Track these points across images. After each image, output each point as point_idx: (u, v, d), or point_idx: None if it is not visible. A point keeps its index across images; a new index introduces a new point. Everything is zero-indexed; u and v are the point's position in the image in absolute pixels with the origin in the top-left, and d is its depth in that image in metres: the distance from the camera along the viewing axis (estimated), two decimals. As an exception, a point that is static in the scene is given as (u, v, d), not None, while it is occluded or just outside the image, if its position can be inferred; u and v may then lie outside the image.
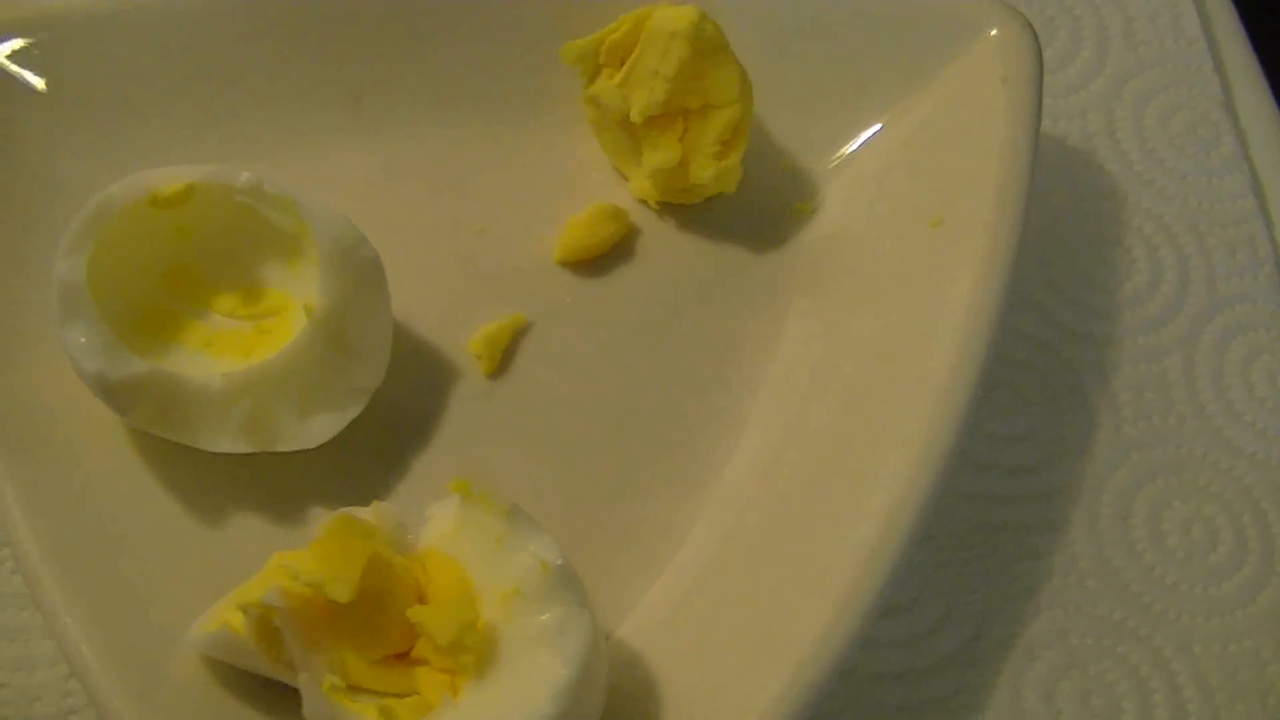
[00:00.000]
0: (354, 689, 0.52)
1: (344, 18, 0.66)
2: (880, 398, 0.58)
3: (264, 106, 0.66)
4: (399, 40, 0.66)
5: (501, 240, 0.65)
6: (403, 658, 0.53)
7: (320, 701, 0.50)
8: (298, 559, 0.52)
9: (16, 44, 0.63)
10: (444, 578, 0.53)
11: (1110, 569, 0.61)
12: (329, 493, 0.59)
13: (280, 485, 0.59)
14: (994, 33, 0.62)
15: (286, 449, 0.58)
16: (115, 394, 0.56)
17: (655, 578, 0.58)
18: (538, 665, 0.50)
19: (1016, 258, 0.58)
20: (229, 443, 0.57)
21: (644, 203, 0.66)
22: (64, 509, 0.56)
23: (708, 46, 0.61)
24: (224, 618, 0.53)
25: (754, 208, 0.65)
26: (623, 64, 0.63)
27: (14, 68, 0.63)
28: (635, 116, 0.62)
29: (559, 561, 0.51)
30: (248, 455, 0.58)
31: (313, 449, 0.59)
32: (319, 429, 0.58)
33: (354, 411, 0.59)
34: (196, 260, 0.61)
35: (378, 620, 0.52)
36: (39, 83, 0.64)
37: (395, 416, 0.61)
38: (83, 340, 0.55)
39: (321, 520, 0.54)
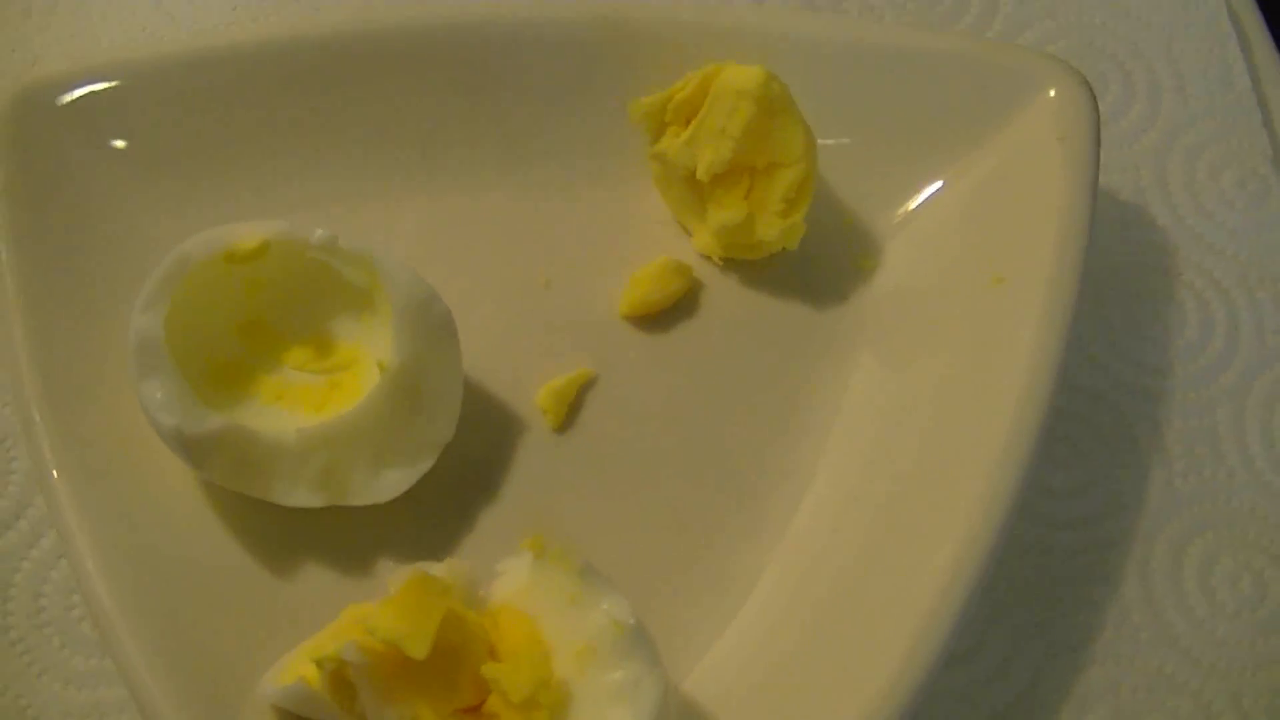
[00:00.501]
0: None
1: (415, 72, 0.66)
2: (944, 452, 0.59)
3: (335, 158, 0.67)
4: (468, 94, 0.67)
5: (567, 293, 0.66)
6: (475, 712, 0.53)
7: (392, 757, 0.51)
8: (374, 613, 0.53)
9: (93, 94, 0.64)
10: (516, 633, 0.54)
11: (1162, 622, 0.61)
12: (400, 546, 0.60)
13: (352, 538, 0.60)
14: (1052, 92, 0.63)
15: (359, 503, 0.59)
16: (191, 449, 0.56)
17: (723, 628, 0.59)
18: (615, 720, 0.51)
19: (1075, 315, 0.59)
20: (303, 496, 0.58)
21: (708, 258, 0.66)
22: (137, 559, 0.56)
23: (775, 106, 0.62)
24: (298, 670, 0.53)
25: (817, 263, 0.66)
26: (689, 121, 0.64)
27: (91, 118, 0.64)
28: (702, 174, 0.63)
29: (632, 620, 0.52)
30: (320, 509, 0.59)
31: (384, 503, 0.59)
32: (391, 484, 0.59)
33: (425, 466, 0.59)
34: (269, 313, 0.62)
35: (451, 675, 0.53)
36: (116, 134, 0.65)
37: (465, 470, 0.62)
38: (159, 396, 0.56)
39: (393, 574, 0.55)
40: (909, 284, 0.65)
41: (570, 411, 0.63)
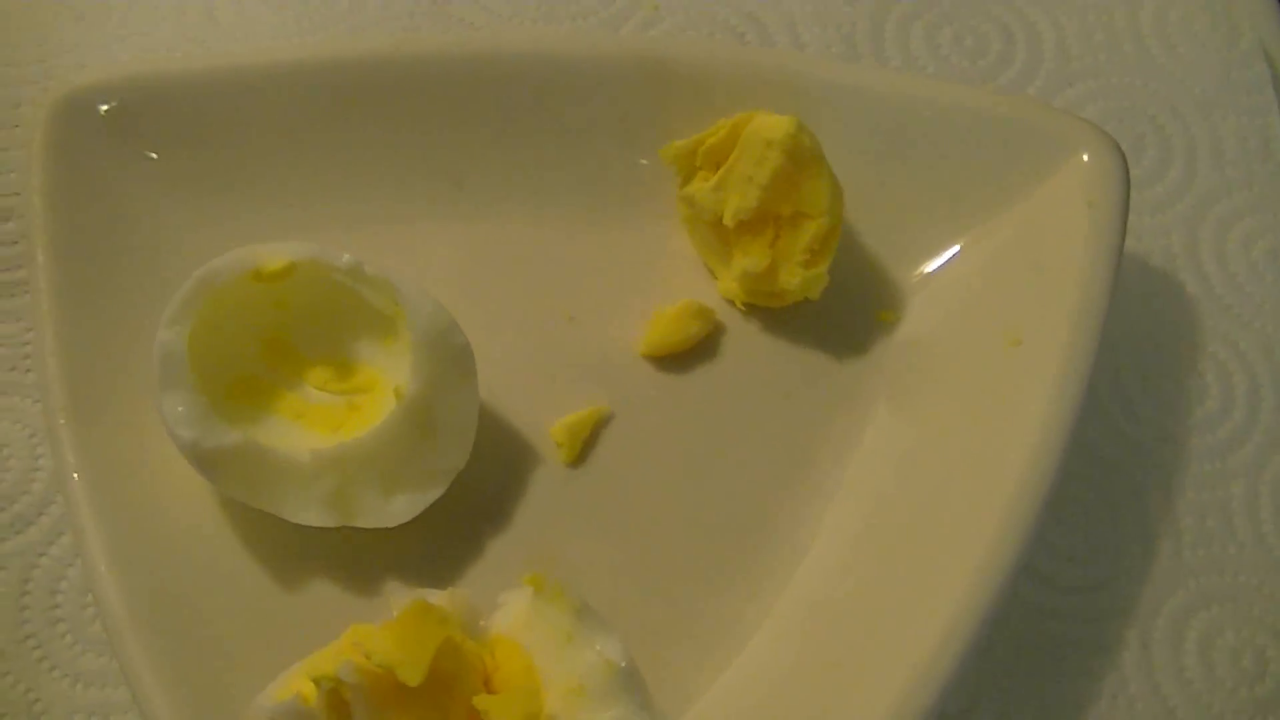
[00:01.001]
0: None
1: (453, 99, 0.67)
2: (949, 511, 0.59)
3: (370, 182, 0.68)
4: (504, 129, 0.68)
5: (589, 329, 0.66)
6: (470, 738, 0.55)
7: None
8: (373, 636, 0.54)
9: (135, 104, 0.65)
10: (511, 666, 0.55)
11: (1159, 695, 0.61)
12: (407, 570, 0.61)
13: (360, 559, 0.61)
14: (1085, 157, 0.63)
15: (368, 525, 0.60)
16: (207, 462, 0.58)
17: (718, 675, 0.60)
18: (596, 761, 0.52)
19: (1089, 381, 0.59)
20: (313, 515, 0.59)
21: (731, 302, 0.67)
22: (149, 565, 0.58)
23: (803, 157, 0.62)
24: (296, 686, 0.54)
25: (839, 313, 0.66)
26: (719, 167, 0.64)
27: (131, 128, 0.65)
28: (728, 220, 0.63)
29: (624, 663, 0.53)
30: (331, 529, 0.60)
31: (393, 527, 0.60)
32: (400, 509, 0.60)
33: (436, 493, 0.60)
34: (294, 333, 0.63)
35: (445, 703, 0.54)
36: (155, 145, 0.66)
37: (475, 499, 0.63)
38: (180, 409, 0.57)
39: (398, 596, 0.56)
40: (929, 339, 0.65)
41: (584, 447, 0.64)
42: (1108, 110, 0.73)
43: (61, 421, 0.59)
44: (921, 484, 0.61)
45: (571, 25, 0.75)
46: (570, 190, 0.68)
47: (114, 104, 0.65)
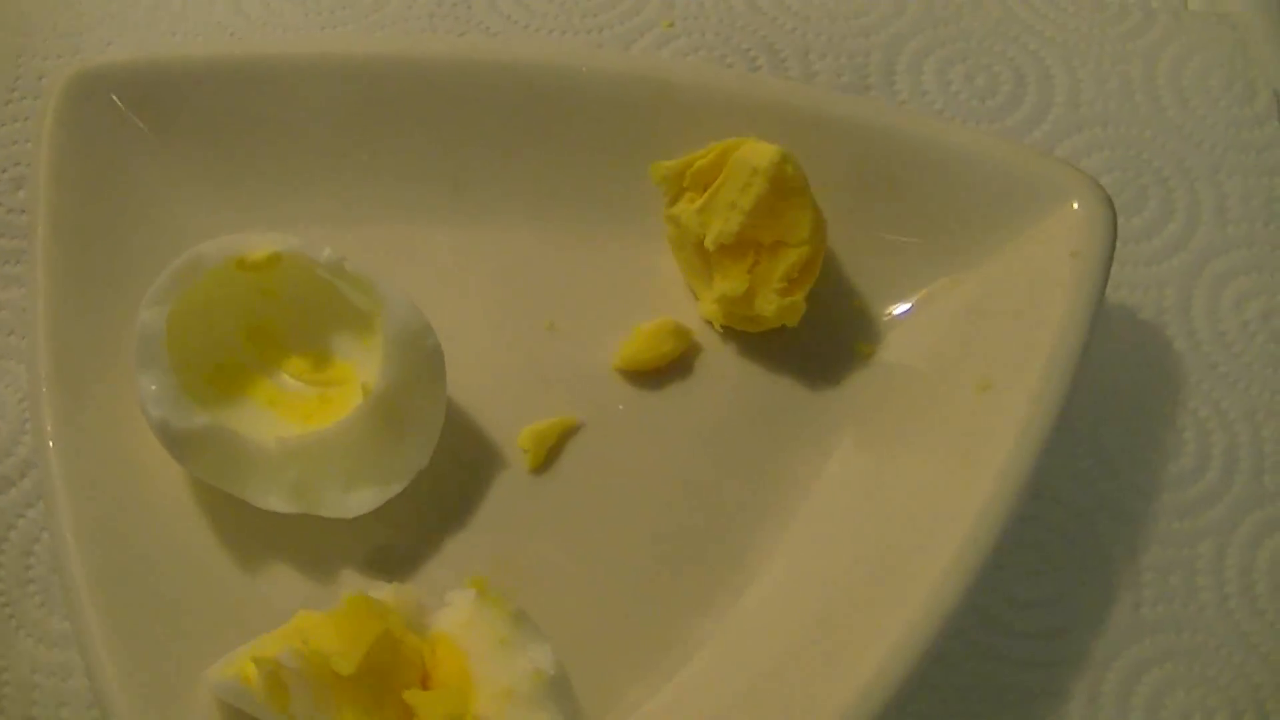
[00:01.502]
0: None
1: (456, 108, 0.68)
2: (901, 549, 0.59)
3: (370, 179, 0.69)
4: (505, 136, 0.69)
5: (568, 339, 0.67)
6: (401, 731, 0.56)
7: (310, 765, 0.53)
8: (315, 624, 0.56)
9: (148, 86, 0.67)
10: (448, 665, 0.56)
11: (1101, 748, 0.62)
12: (364, 560, 0.62)
13: (319, 548, 0.62)
14: (1074, 206, 0.63)
15: (328, 515, 0.61)
16: (175, 442, 0.59)
17: (659, 688, 0.60)
18: (515, 767, 0.53)
19: (1056, 430, 0.59)
20: (276, 501, 0.61)
21: (710, 324, 0.67)
22: (113, 535, 0.59)
23: (787, 187, 0.63)
24: (240, 665, 0.56)
25: (816, 342, 0.67)
26: (706, 189, 0.65)
27: (142, 109, 0.67)
28: (709, 244, 0.64)
29: (553, 672, 0.54)
30: (292, 515, 0.61)
31: (358, 518, 0.61)
32: (360, 501, 0.61)
33: (396, 489, 0.61)
34: (276, 321, 0.64)
35: (380, 694, 0.55)
36: (165, 127, 0.68)
37: (437, 498, 0.64)
38: (153, 388, 0.59)
39: (350, 586, 0.57)
40: (902, 375, 0.65)
41: (550, 455, 0.65)
42: (1113, 159, 0.73)
43: (44, 389, 0.60)
44: (877, 519, 0.61)
45: (586, 38, 0.76)
46: (564, 201, 0.69)
47: (128, 84, 0.67)
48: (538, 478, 0.65)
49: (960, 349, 0.64)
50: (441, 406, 0.62)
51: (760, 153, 0.63)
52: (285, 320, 0.64)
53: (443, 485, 0.64)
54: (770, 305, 0.64)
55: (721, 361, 0.67)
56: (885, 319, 0.67)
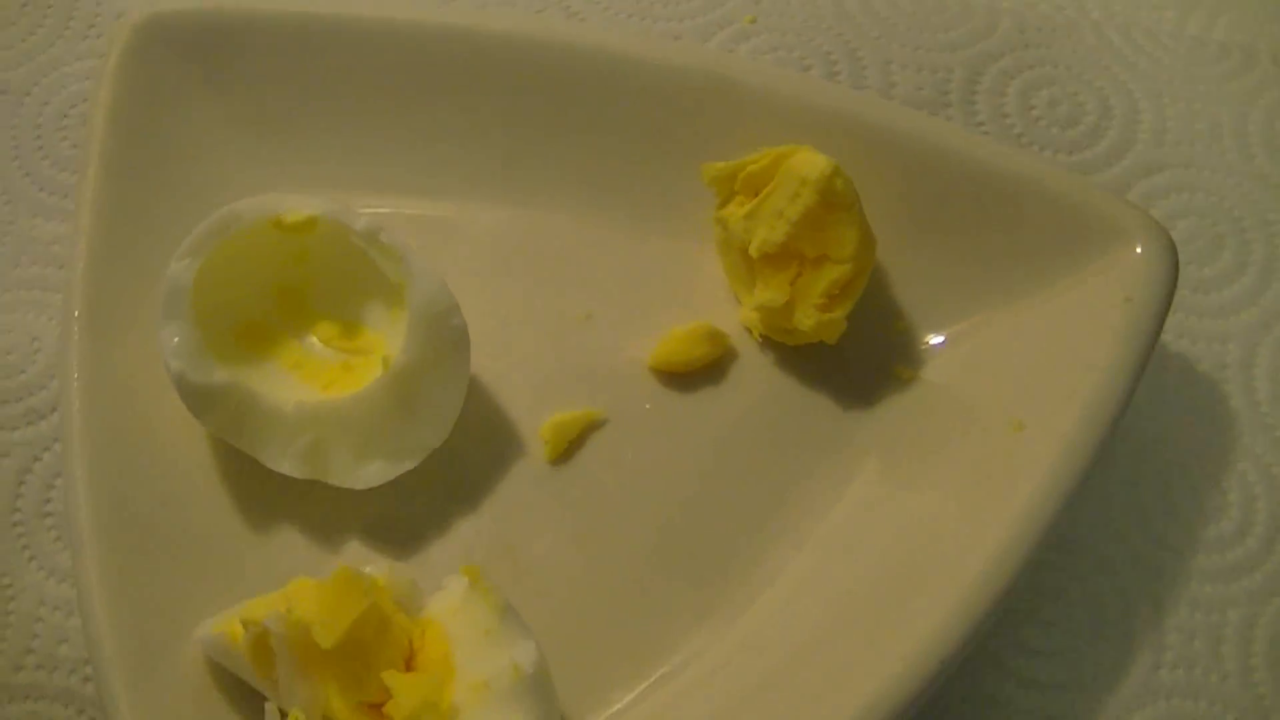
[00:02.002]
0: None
1: (517, 85, 0.68)
2: (910, 584, 0.58)
3: (422, 147, 0.69)
4: (561, 120, 0.68)
5: (603, 331, 0.67)
6: (378, 710, 0.55)
7: (279, 731, 0.53)
8: (304, 592, 0.56)
9: (212, 38, 0.67)
10: (433, 651, 0.56)
11: (1102, 810, 0.60)
12: (369, 534, 0.62)
13: (327, 516, 0.62)
14: (1136, 249, 0.60)
15: (338, 484, 0.61)
16: (192, 396, 0.60)
17: (643, 699, 0.59)
18: (482, 761, 0.53)
19: (1085, 481, 0.57)
20: (287, 465, 0.61)
21: (749, 331, 0.66)
22: (123, 479, 0.60)
23: (835, 201, 0.61)
24: (231, 625, 0.56)
25: (855, 362, 0.65)
26: (756, 194, 0.64)
27: (205, 61, 0.67)
28: (753, 251, 0.63)
29: (531, 670, 0.54)
30: (304, 481, 0.61)
31: (369, 490, 0.61)
32: (370, 474, 0.61)
33: (408, 465, 0.61)
34: (310, 286, 0.64)
35: (360, 671, 0.55)
36: (225, 80, 0.68)
37: (450, 480, 0.63)
38: (175, 341, 0.59)
39: (352, 558, 0.57)
40: (937, 404, 0.64)
41: (570, 448, 0.64)
42: (1190, 204, 0.70)
43: (75, 330, 0.61)
44: (892, 549, 0.60)
45: (666, 26, 0.75)
46: (616, 191, 0.68)
47: (193, 33, 0.67)
48: (554, 469, 0.64)
49: (999, 385, 0.62)
50: (462, 387, 0.61)
51: (811, 164, 0.61)
52: (318, 285, 0.64)
53: (456, 467, 0.63)
54: (809, 320, 0.63)
55: (756, 371, 0.66)
56: (928, 345, 0.65)
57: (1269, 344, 0.68)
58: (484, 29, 0.68)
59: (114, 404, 0.61)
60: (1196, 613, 0.63)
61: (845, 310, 0.63)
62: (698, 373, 0.66)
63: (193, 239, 0.60)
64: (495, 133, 0.69)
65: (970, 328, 0.65)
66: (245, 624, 0.55)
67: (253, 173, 0.68)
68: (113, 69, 0.65)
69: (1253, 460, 0.66)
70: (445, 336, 0.60)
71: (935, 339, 0.65)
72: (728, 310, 0.67)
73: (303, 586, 0.56)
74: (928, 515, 0.60)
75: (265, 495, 0.62)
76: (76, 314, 0.61)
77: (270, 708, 0.54)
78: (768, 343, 0.66)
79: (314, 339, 0.64)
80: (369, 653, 0.55)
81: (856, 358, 0.65)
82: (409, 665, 0.56)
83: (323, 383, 0.62)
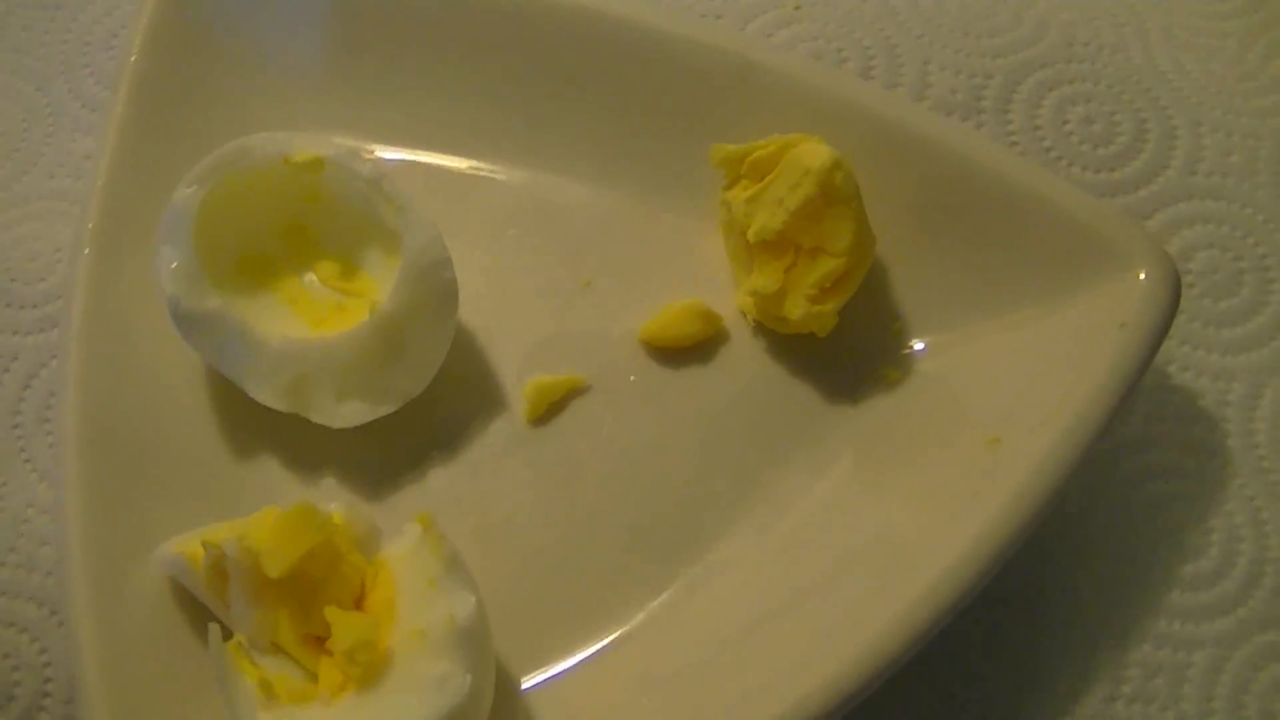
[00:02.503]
0: (275, 649, 0.57)
1: (540, 45, 0.69)
2: (862, 588, 0.58)
3: (447, 106, 0.70)
4: (584, 86, 0.69)
5: (600, 299, 0.67)
6: (321, 643, 0.57)
7: (219, 652, 0.54)
8: (253, 523, 0.57)
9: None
10: (380, 593, 0.57)
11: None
12: (342, 472, 0.64)
13: (305, 451, 0.64)
14: (1138, 275, 0.59)
15: (316, 420, 0.62)
16: (184, 320, 0.61)
17: (585, 665, 0.60)
18: (406, 706, 0.53)
19: (1053, 504, 0.56)
20: (270, 397, 0.62)
21: (743, 315, 0.66)
22: (113, 394, 0.61)
23: (835, 194, 0.61)
24: (192, 546, 0.58)
25: (846, 358, 0.65)
26: (761, 180, 0.64)
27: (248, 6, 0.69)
28: (751, 236, 0.63)
29: (465, 624, 0.54)
30: (288, 414, 0.62)
31: (350, 429, 0.62)
32: (348, 414, 0.62)
33: (386, 410, 0.62)
34: (316, 224, 0.65)
35: (308, 604, 0.56)
36: (263, 25, 0.69)
37: (427, 428, 0.64)
38: (172, 265, 0.61)
39: (323, 494, 0.59)
40: (918, 410, 0.63)
41: (550, 411, 0.65)
42: (1214, 235, 0.69)
43: (85, 245, 0.63)
44: (851, 550, 0.60)
45: (708, 4, 0.75)
46: (632, 164, 0.69)
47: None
48: (532, 430, 0.64)
49: (982, 398, 0.62)
50: (446, 340, 0.62)
51: (815, 154, 0.61)
52: (323, 225, 0.65)
53: (435, 417, 0.64)
54: (798, 309, 0.63)
55: (744, 355, 0.66)
56: (919, 349, 0.65)
57: (1275, 386, 0.66)
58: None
59: (114, 318, 0.63)
60: (1162, 649, 0.62)
61: (837, 304, 0.63)
62: (687, 350, 0.66)
63: (201, 167, 0.62)
64: (520, 94, 0.69)
65: (962, 337, 0.64)
66: (205, 546, 0.56)
67: (275, 109, 0.69)
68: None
69: (1242, 501, 0.64)
70: (434, 288, 0.61)
71: (928, 344, 0.65)
72: (725, 292, 0.67)
73: (266, 516, 0.58)
74: (891, 519, 0.60)
75: (247, 425, 0.64)
76: (90, 227, 0.63)
77: (214, 628, 0.55)
78: (760, 328, 0.66)
79: (313, 277, 0.65)
80: (318, 587, 0.56)
81: (846, 354, 0.65)
82: (359, 604, 0.57)
83: (315, 319, 0.63)
